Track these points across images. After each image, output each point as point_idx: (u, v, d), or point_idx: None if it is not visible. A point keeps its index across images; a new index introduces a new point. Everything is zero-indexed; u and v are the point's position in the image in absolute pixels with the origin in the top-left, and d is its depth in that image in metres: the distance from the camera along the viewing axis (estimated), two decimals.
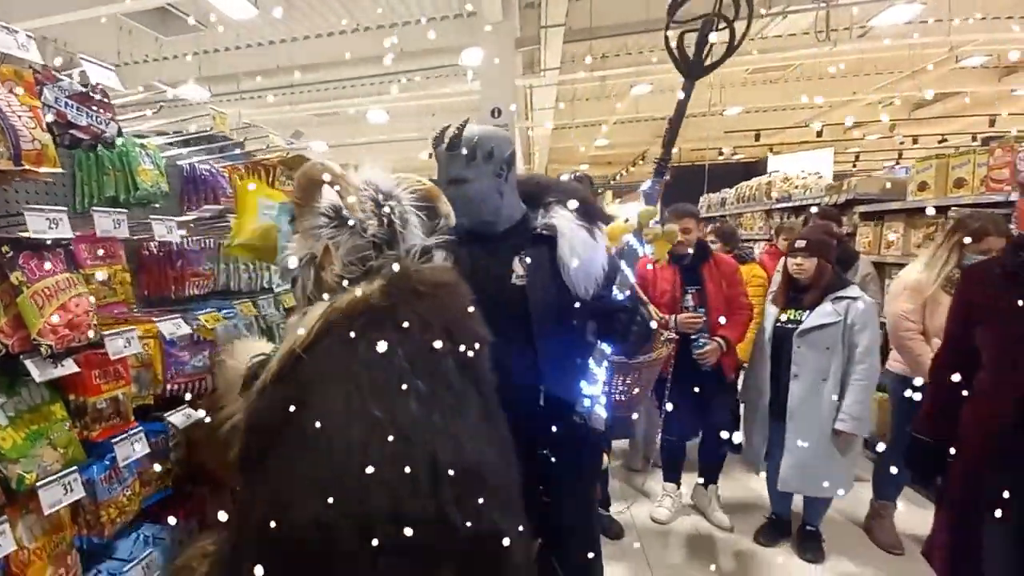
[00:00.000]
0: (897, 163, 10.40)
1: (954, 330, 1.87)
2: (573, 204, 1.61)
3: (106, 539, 1.23)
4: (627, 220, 1.89)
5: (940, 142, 11.50)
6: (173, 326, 1.35)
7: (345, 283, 1.08)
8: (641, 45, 8.25)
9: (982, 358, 1.76)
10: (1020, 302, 1.62)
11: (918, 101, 12.17)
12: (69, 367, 1.06)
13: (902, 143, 11.72)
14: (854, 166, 11.06)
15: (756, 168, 7.73)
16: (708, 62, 1.57)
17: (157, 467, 1.38)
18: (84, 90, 1.19)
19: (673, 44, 1.60)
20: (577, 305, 1.56)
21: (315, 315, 1.06)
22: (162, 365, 1.47)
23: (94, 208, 1.18)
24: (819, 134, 11.02)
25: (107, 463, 1.22)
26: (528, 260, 1.56)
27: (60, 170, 1.07)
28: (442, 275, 1.17)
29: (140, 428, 1.27)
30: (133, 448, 1.22)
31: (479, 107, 6.92)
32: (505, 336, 1.33)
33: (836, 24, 7.48)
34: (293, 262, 1.17)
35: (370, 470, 0.84)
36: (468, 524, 0.86)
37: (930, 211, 3.39)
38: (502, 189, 1.60)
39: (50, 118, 1.10)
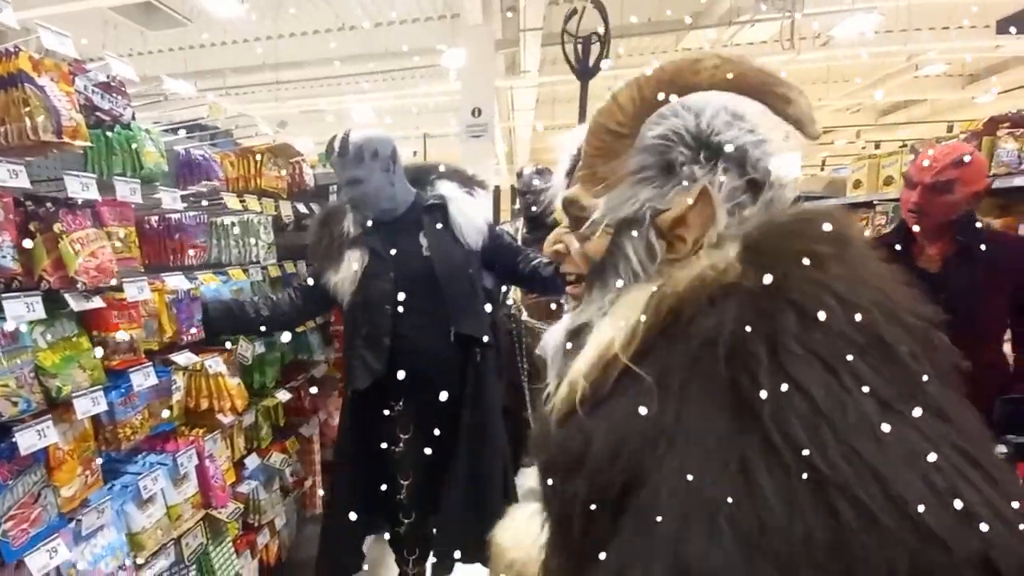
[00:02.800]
0: None
1: None
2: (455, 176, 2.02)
3: (122, 452, 1.48)
4: None
5: (902, 147, 11.97)
6: (177, 281, 1.60)
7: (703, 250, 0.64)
8: (617, 49, 8.58)
9: None
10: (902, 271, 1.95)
11: (884, 108, 12.69)
12: (97, 303, 1.31)
13: (864, 148, 12.21)
14: (821, 169, 11.50)
15: None
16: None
17: (160, 402, 1.63)
18: (106, 80, 1.44)
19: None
20: (473, 257, 1.91)
21: (636, 305, 0.64)
22: (168, 317, 1.72)
23: (115, 176, 1.43)
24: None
25: (123, 390, 1.46)
26: (429, 232, 1.87)
27: (90, 144, 1.32)
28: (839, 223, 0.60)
29: (150, 364, 1.52)
30: (146, 378, 1.47)
31: (459, 107, 7.19)
32: (427, 300, 1.78)
33: (803, 33, 7.89)
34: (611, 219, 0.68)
35: None
36: None
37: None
38: (392, 180, 1.89)
39: (81, 102, 1.34)
